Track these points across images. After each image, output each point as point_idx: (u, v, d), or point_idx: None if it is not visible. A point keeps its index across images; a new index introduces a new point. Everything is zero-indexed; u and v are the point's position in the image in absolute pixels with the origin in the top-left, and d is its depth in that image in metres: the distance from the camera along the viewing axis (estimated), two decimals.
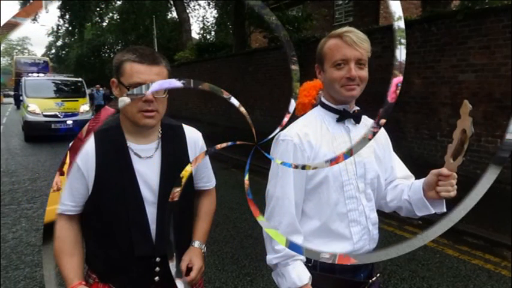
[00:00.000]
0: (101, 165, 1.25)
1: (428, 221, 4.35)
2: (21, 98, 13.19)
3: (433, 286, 3.11)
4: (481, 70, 5.93)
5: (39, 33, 57.84)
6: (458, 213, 0.66)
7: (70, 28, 18.81)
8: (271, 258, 1.26)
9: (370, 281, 1.34)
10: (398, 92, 0.62)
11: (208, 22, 29.40)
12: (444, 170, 1.15)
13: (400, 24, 0.61)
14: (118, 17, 25.89)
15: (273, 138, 1.17)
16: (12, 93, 33.56)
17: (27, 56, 42.86)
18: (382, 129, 1.44)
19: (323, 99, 1.34)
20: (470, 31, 6.06)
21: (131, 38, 25.85)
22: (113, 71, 1.28)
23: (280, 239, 0.83)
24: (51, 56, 37.30)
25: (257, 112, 12.02)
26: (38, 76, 14.14)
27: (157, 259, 1.30)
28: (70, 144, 0.66)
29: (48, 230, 0.61)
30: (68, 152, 0.65)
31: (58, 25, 19.94)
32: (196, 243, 1.43)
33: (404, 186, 1.35)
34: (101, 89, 17.37)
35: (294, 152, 1.24)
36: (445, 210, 1.26)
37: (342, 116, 1.30)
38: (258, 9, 0.86)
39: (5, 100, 33.71)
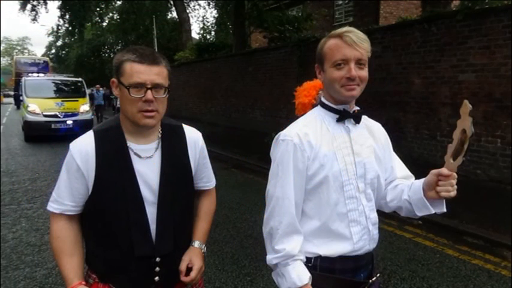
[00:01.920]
0: (101, 165, 1.25)
1: (429, 221, 4.37)
2: (21, 98, 13.18)
3: (433, 286, 3.11)
4: (481, 70, 5.93)
5: (39, 33, 58.09)
6: None
7: (70, 28, 18.78)
8: (271, 258, 1.26)
9: (370, 281, 1.34)
10: None
11: (208, 22, 29.44)
12: (444, 170, 1.15)
13: None
14: (118, 17, 25.87)
15: None
16: (12, 93, 33.60)
17: (27, 56, 42.90)
18: (382, 129, 1.45)
19: (323, 99, 1.34)
20: (470, 31, 6.06)
21: (131, 38, 25.84)
22: (113, 71, 1.28)
23: None
24: (51, 56, 37.28)
25: (257, 112, 12.03)
26: (38, 76, 14.14)
27: (157, 259, 1.30)
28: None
29: None
30: None
31: (58, 25, 19.90)
32: (196, 243, 1.43)
33: (404, 186, 1.35)
34: (101, 89, 17.33)
35: (294, 152, 1.24)
36: (445, 210, 1.26)
37: (342, 116, 1.29)
38: None
39: (5, 100, 33.74)
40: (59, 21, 19.06)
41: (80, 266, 1.29)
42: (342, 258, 1.27)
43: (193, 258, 1.37)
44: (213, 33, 27.82)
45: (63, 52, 38.21)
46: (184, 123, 1.46)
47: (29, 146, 10.50)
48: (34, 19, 18.59)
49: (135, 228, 1.26)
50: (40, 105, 11.15)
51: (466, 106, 1.08)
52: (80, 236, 1.32)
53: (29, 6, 18.24)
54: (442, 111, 6.54)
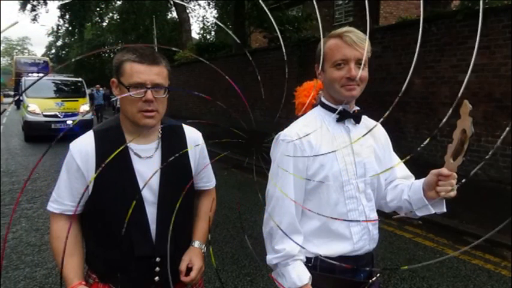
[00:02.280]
0: (101, 165, 1.25)
1: (429, 221, 4.37)
2: (21, 98, 13.18)
3: (433, 286, 3.11)
4: (481, 70, 5.93)
5: (39, 33, 58.07)
6: None
7: (70, 28, 18.83)
8: (271, 258, 1.26)
9: (370, 281, 1.34)
10: None
11: (208, 22, 29.46)
12: (444, 170, 1.15)
13: None
14: (118, 17, 25.91)
15: None
16: (12, 93, 33.60)
17: (27, 56, 42.88)
18: (382, 129, 1.45)
19: (323, 99, 1.34)
20: (470, 31, 6.06)
21: (131, 38, 25.85)
22: (113, 71, 1.28)
23: None
24: (51, 56, 37.28)
25: (257, 112, 12.03)
26: (38, 76, 14.15)
27: (157, 259, 1.30)
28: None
29: None
30: None
31: (58, 25, 19.99)
32: (196, 243, 1.43)
33: (404, 186, 1.35)
34: (101, 89, 17.33)
35: (294, 152, 1.24)
36: (445, 210, 1.26)
37: (342, 116, 1.29)
38: None
39: (5, 100, 33.74)
40: (59, 21, 19.13)
41: (80, 266, 1.29)
42: (342, 258, 1.27)
43: (193, 258, 1.38)
44: (213, 33, 27.83)
45: (63, 52, 38.21)
46: (184, 123, 1.46)
47: (29, 146, 10.50)
48: (34, 19, 18.61)
49: (135, 228, 1.26)
50: (40, 105, 11.16)
51: (466, 106, 1.08)
52: (80, 236, 1.32)
53: (29, 6, 18.26)
54: (442, 111, 6.54)
